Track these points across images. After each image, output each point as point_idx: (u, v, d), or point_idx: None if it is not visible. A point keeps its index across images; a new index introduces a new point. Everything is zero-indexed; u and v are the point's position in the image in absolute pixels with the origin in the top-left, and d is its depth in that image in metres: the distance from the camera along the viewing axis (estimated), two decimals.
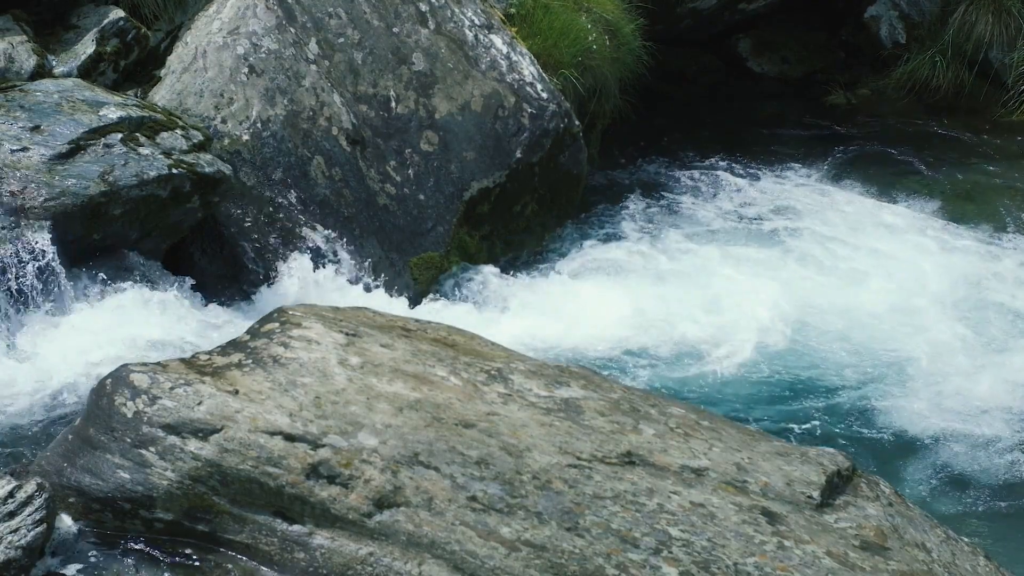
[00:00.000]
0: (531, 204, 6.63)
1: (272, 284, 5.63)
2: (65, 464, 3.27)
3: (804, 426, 5.18)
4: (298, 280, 5.64)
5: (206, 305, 5.32)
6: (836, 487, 3.31)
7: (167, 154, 5.29)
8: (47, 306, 4.77)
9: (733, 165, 8.07)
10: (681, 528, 3.03)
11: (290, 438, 3.18)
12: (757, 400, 5.36)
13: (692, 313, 5.95)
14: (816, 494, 3.23)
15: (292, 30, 6.06)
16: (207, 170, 5.36)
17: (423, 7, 6.47)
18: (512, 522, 3.02)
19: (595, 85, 7.34)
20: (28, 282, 4.72)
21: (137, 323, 4.82)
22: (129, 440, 3.22)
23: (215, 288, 5.57)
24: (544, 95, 6.60)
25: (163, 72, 5.90)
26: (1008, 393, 5.50)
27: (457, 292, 6.11)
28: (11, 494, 3.11)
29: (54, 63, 5.75)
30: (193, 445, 3.18)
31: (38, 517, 3.10)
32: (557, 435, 3.27)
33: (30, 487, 3.14)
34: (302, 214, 5.77)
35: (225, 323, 5.05)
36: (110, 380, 3.35)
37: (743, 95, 9.53)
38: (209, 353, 3.54)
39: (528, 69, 6.63)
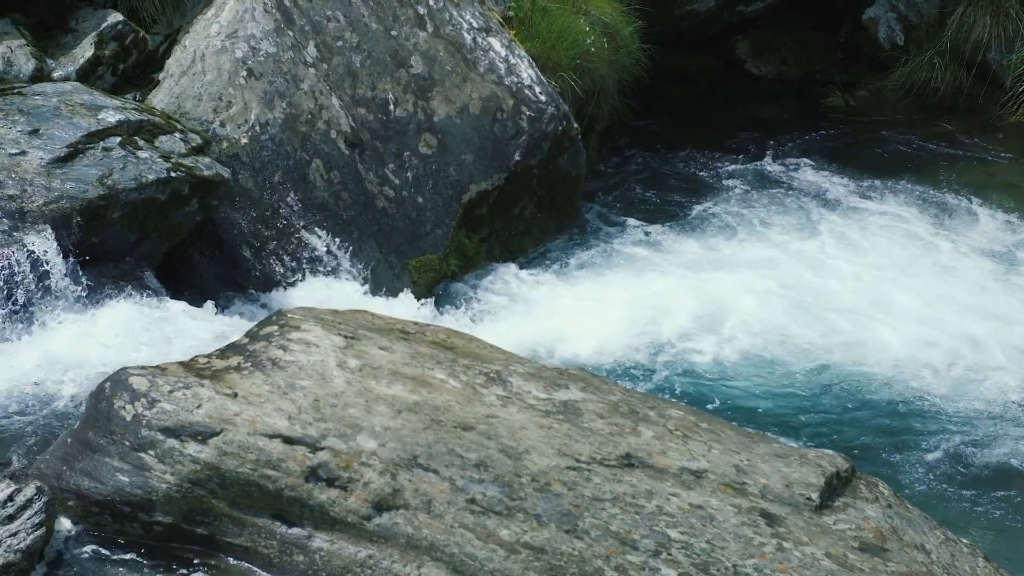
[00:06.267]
0: (530, 206, 6.63)
1: (271, 287, 5.63)
2: (64, 467, 3.27)
3: (803, 427, 5.18)
4: (297, 283, 5.64)
5: (205, 308, 5.32)
6: (835, 489, 3.32)
7: (166, 157, 5.29)
8: (46, 309, 4.77)
9: (732, 166, 8.08)
10: (680, 530, 3.03)
11: (289, 441, 3.18)
12: (757, 401, 5.36)
13: (692, 313, 5.95)
14: (815, 496, 3.23)
15: (291, 33, 6.06)
16: (206, 173, 5.36)
17: (421, 10, 6.47)
18: (511, 524, 3.02)
19: (594, 87, 7.34)
20: (27, 285, 4.72)
21: (136, 326, 4.82)
22: (128, 443, 3.22)
23: (214, 291, 5.57)
24: (543, 97, 6.60)
25: (162, 75, 5.90)
26: (1009, 393, 5.50)
27: (457, 293, 6.12)
28: (10, 497, 3.11)
29: (53, 66, 5.75)
30: (192, 448, 3.18)
31: (37, 520, 3.10)
32: (556, 437, 3.27)
33: (29, 491, 3.14)
34: (301, 217, 5.77)
35: (224, 326, 5.04)
36: (109, 383, 3.35)
37: (742, 96, 9.54)
38: (208, 356, 3.54)
39: (526, 72, 6.64)
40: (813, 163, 8.15)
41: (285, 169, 5.80)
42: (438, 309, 5.89)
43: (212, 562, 3.16)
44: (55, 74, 5.72)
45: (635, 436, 3.33)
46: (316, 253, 5.74)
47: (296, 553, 3.11)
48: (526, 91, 6.56)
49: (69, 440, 3.34)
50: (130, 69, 5.97)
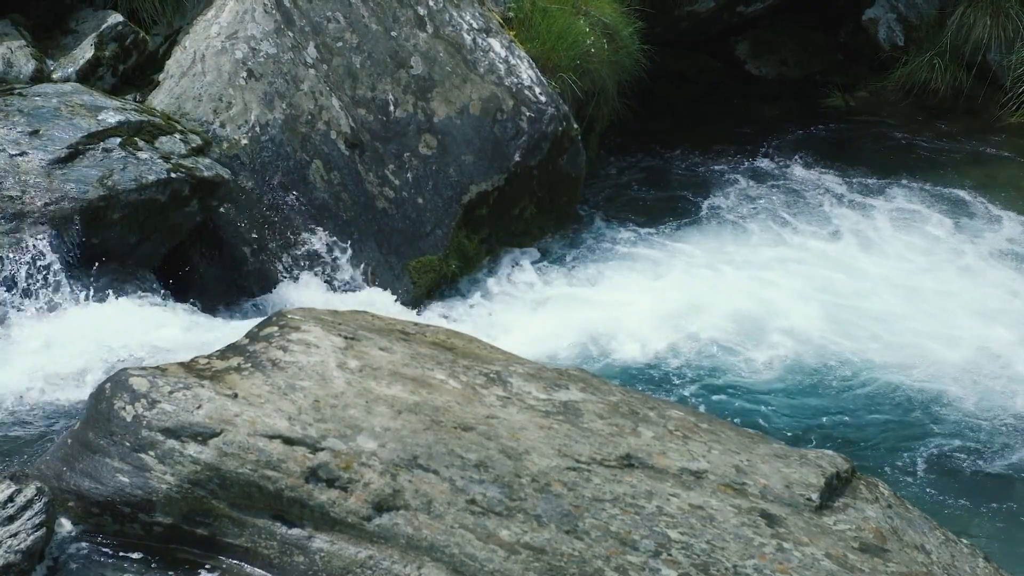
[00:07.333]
0: (529, 207, 6.64)
1: (271, 288, 5.63)
2: (64, 468, 3.28)
3: (803, 428, 5.18)
4: (297, 283, 5.64)
5: (205, 309, 5.32)
6: (835, 489, 3.32)
7: (166, 158, 5.29)
8: (46, 310, 4.77)
9: (732, 167, 8.08)
10: (680, 530, 3.03)
11: (289, 441, 3.18)
12: (757, 401, 5.36)
13: (692, 314, 5.95)
14: (815, 496, 3.23)
15: (291, 34, 6.07)
16: (206, 174, 5.37)
17: (421, 11, 6.47)
18: (511, 525, 3.02)
19: (593, 88, 7.34)
20: (27, 286, 4.72)
21: (136, 327, 4.82)
22: (128, 444, 3.22)
23: (214, 291, 5.58)
24: (542, 98, 6.60)
25: (162, 76, 5.91)
26: (1008, 393, 5.50)
27: (457, 294, 6.13)
28: (11, 498, 3.11)
29: (53, 67, 5.75)
30: (192, 449, 3.18)
31: (38, 521, 3.10)
32: (556, 438, 3.27)
33: (30, 491, 3.14)
34: (301, 217, 5.78)
35: (224, 327, 5.05)
36: (109, 384, 3.35)
37: (742, 97, 9.54)
38: (208, 357, 3.54)
39: (526, 72, 6.64)
40: (814, 164, 8.14)
41: (285, 170, 5.81)
42: (438, 309, 5.90)
43: (212, 563, 3.16)
44: (55, 75, 5.72)
45: (635, 437, 3.34)
46: (316, 254, 5.74)
47: (296, 554, 3.11)
48: (526, 92, 6.56)
49: (69, 441, 3.34)
50: (130, 70, 5.97)
